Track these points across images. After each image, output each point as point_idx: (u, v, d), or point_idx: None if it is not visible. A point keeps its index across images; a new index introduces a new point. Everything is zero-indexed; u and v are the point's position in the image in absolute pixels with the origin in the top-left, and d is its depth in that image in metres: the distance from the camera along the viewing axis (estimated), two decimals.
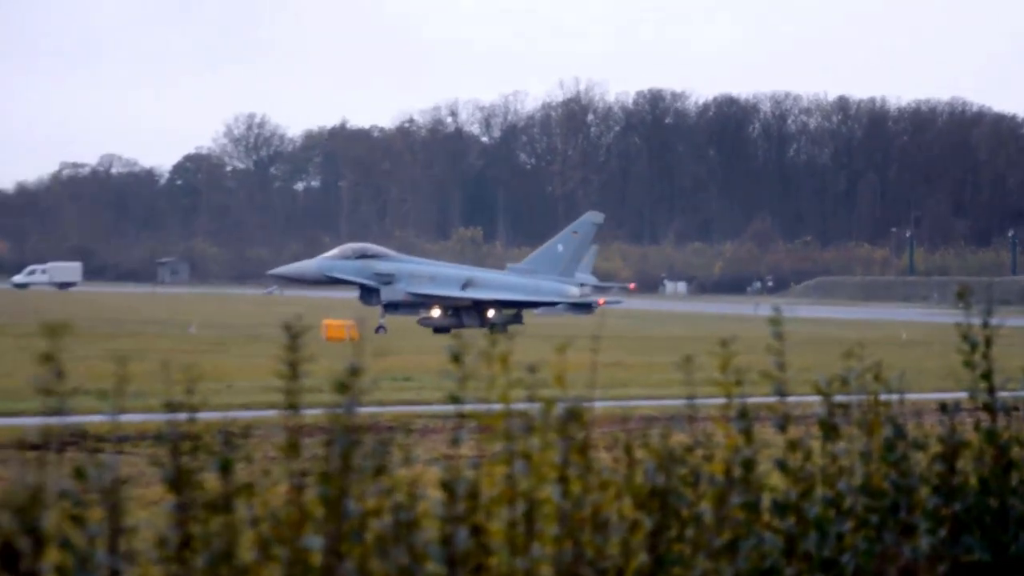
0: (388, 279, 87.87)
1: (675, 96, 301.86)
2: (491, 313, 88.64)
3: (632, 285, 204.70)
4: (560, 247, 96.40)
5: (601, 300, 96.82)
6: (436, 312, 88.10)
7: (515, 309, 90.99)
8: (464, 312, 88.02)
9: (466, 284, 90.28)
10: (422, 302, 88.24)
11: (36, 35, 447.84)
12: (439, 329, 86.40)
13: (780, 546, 7.75)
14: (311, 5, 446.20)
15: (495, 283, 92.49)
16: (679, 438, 7.88)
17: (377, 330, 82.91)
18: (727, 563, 7.54)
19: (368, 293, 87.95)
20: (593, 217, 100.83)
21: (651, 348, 57.60)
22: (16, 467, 4.78)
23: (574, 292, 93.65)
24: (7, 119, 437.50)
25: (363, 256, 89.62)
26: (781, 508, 7.87)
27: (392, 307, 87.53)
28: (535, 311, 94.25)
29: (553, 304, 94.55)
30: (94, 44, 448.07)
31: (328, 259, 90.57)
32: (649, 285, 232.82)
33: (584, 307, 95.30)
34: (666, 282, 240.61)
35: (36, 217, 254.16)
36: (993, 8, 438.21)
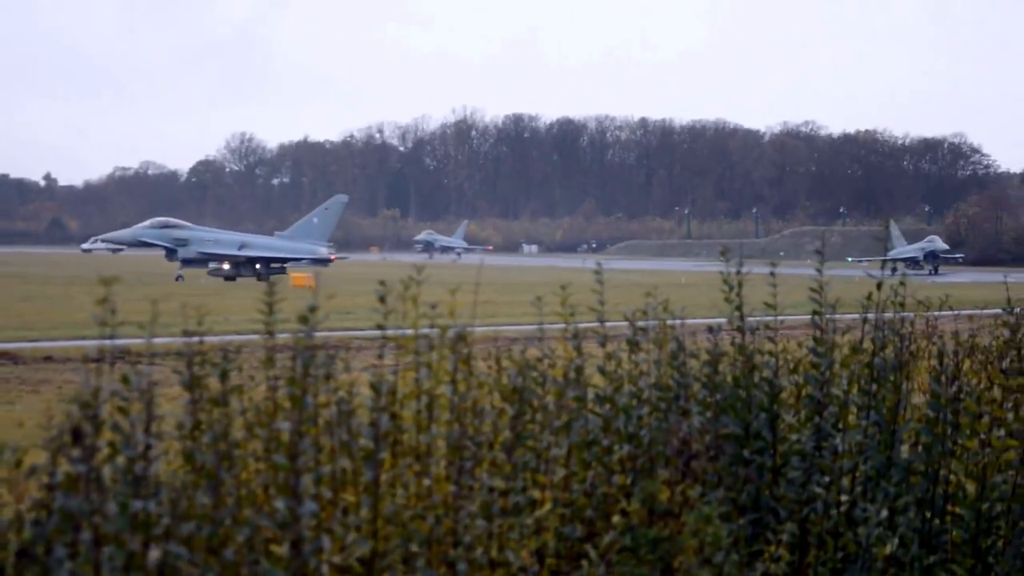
0: (184, 242, 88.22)
1: (530, 118, 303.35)
2: (258, 266, 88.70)
3: (490, 247, 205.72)
4: (315, 220, 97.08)
5: (333, 256, 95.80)
6: (226, 266, 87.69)
7: (278, 264, 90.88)
8: (242, 266, 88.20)
9: (242, 246, 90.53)
10: (209, 259, 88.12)
11: (96, 71, 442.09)
12: (227, 278, 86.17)
13: (600, 425, 7.78)
14: (284, 52, 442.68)
15: (264, 245, 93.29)
16: (532, 352, 7.91)
17: (177, 279, 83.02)
18: (564, 437, 7.56)
19: (170, 253, 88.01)
20: (341, 198, 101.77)
21: (513, 290, 57.63)
22: (81, 375, 4.75)
23: (323, 252, 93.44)
24: (80, 133, 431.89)
25: (166, 227, 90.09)
26: (601, 399, 7.89)
27: (187, 263, 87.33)
28: (298, 263, 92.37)
29: (312, 260, 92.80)
30: (140, 78, 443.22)
31: (140, 228, 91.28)
32: (512, 247, 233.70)
33: (324, 262, 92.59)
34: (523, 245, 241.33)
35: (97, 204, 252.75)
36: (746, 41, 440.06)
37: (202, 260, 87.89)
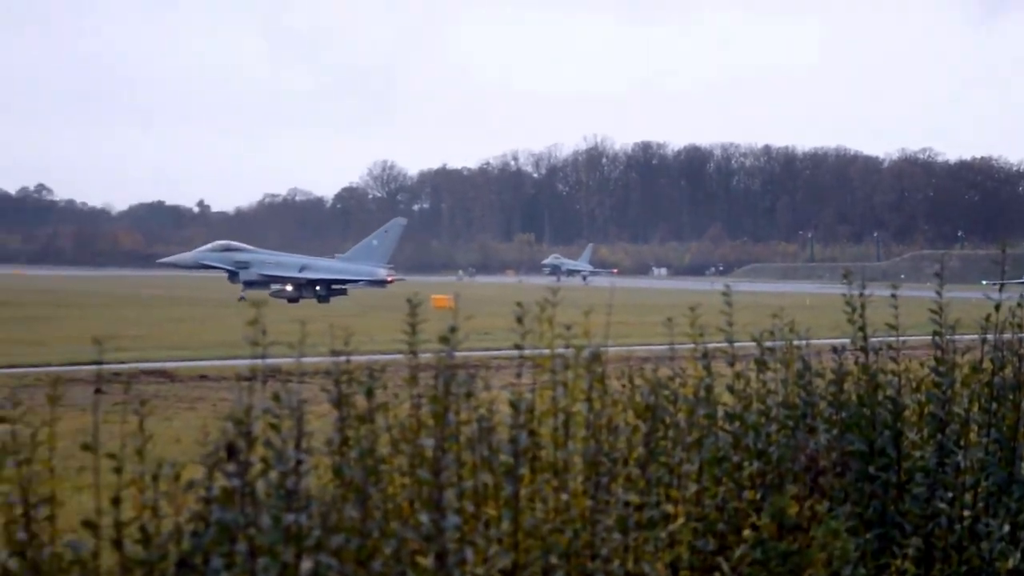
0: (245, 265, 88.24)
1: (658, 145, 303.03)
2: (318, 288, 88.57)
3: (615, 270, 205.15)
4: (375, 242, 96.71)
5: (391, 278, 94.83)
6: (288, 288, 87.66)
7: (339, 285, 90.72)
8: (303, 287, 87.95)
9: (302, 268, 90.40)
10: (270, 281, 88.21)
11: (248, 103, 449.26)
12: (290, 300, 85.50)
13: (730, 442, 7.72)
14: (423, 84, 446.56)
15: (324, 267, 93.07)
16: (664, 371, 7.87)
17: (240, 299, 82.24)
18: (695, 453, 7.50)
19: (232, 275, 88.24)
20: (400, 221, 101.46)
21: (644, 312, 57.53)
22: (235, 392, 4.78)
23: (382, 273, 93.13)
24: (232, 163, 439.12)
25: (227, 250, 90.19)
26: (730, 417, 7.84)
27: (249, 284, 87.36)
28: (354, 285, 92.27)
29: (369, 282, 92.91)
30: (289, 109, 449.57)
31: (202, 252, 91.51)
32: (642, 270, 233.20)
33: (382, 283, 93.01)
34: (653, 268, 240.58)
35: (247, 229, 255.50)
36: (871, 73, 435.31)
37: (264, 282, 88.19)
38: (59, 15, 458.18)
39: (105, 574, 4.95)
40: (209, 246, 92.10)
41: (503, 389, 6.83)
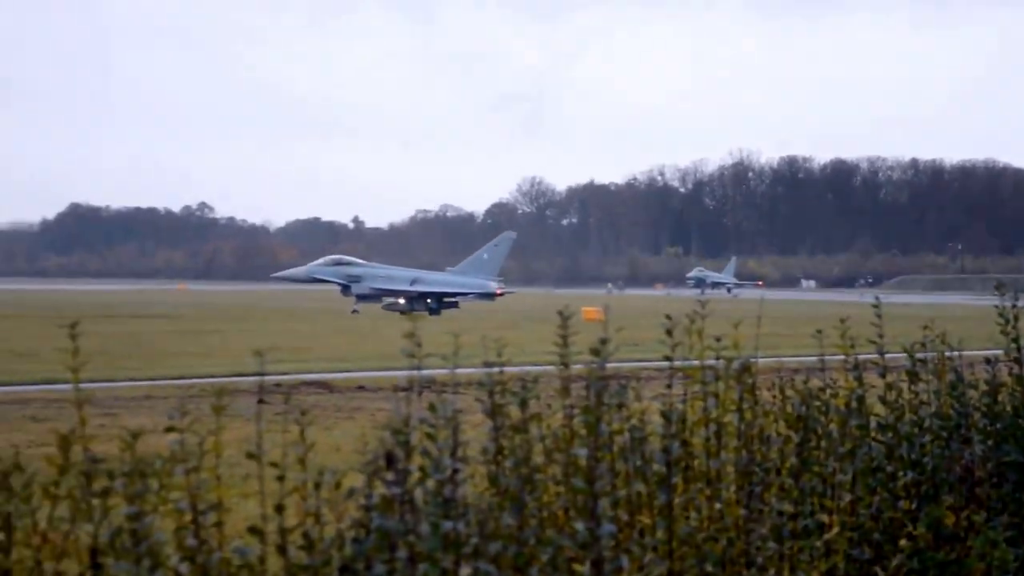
0: (357, 279, 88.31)
1: (804, 159, 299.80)
2: (429, 300, 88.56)
3: (760, 282, 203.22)
4: (485, 255, 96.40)
5: (500, 291, 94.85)
6: (401, 301, 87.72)
7: (450, 298, 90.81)
8: (415, 300, 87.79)
9: (414, 281, 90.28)
10: (382, 294, 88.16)
11: (400, 121, 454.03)
12: (402, 312, 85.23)
13: (883, 452, 7.62)
14: (572, 101, 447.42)
15: (434, 280, 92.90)
16: (815, 382, 7.79)
17: (352, 312, 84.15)
18: (848, 463, 7.40)
19: (345, 288, 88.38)
20: (510, 235, 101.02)
21: (793, 323, 56.94)
22: (392, 403, 4.82)
23: (492, 286, 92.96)
24: (386, 180, 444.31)
25: (339, 264, 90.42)
26: (883, 427, 7.73)
27: (362, 298, 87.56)
28: (464, 297, 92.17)
29: (479, 295, 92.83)
30: (441, 126, 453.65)
31: (315, 266, 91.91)
32: (790, 283, 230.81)
33: (491, 296, 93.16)
34: (802, 280, 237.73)
35: (400, 244, 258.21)
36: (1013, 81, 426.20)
37: (375, 295, 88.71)
38: (223, 40, 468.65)
39: None
40: (322, 260, 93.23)
41: (654, 400, 6.81)
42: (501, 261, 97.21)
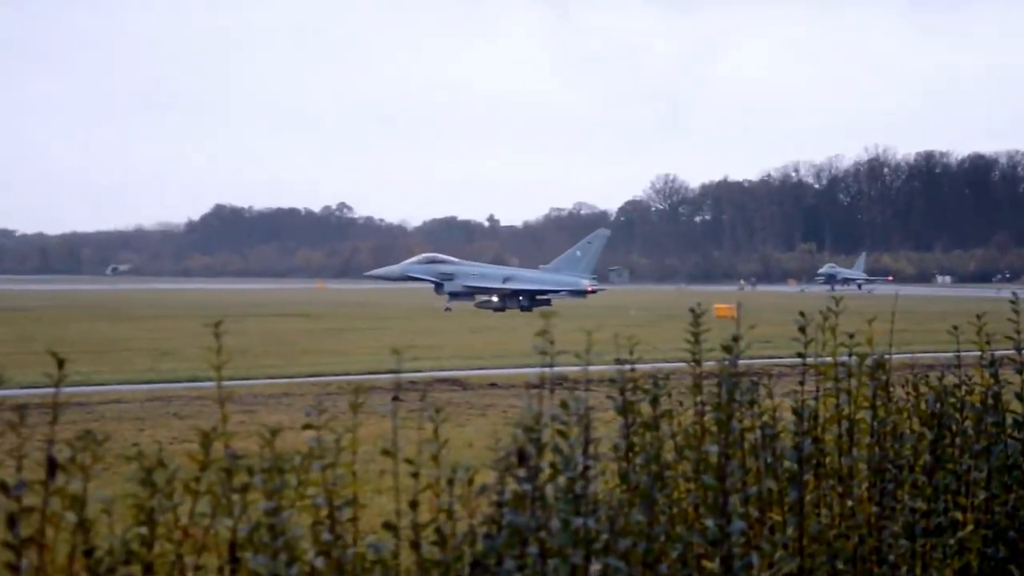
0: (449, 277, 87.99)
1: (941, 154, 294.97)
2: (520, 298, 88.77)
3: (890, 277, 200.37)
4: (578, 253, 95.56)
5: (591, 288, 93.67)
6: (495, 299, 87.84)
7: (542, 295, 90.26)
8: (507, 298, 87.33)
9: (506, 279, 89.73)
10: (475, 292, 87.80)
11: (535, 120, 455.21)
12: (496, 310, 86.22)
13: (1019, 450, 7.46)
14: (705, 99, 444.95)
15: (527, 278, 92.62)
16: (950, 379, 7.66)
17: (446, 310, 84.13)
18: (983, 461, 7.27)
19: (438, 286, 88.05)
20: (603, 232, 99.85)
21: (927, 319, 56.02)
22: (524, 400, 4.85)
23: (585, 284, 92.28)
24: (521, 179, 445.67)
25: (432, 262, 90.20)
26: (1019, 425, 7.56)
27: (454, 295, 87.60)
28: (556, 295, 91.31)
29: (571, 292, 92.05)
30: (576, 125, 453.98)
31: (409, 264, 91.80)
32: (925, 279, 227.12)
33: (582, 293, 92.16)
34: (937, 276, 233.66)
35: (535, 242, 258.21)
36: None
37: (468, 293, 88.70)
38: (362, 43, 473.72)
39: (404, 573, 5.06)
40: (415, 259, 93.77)
41: (786, 397, 6.75)
42: (594, 259, 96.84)
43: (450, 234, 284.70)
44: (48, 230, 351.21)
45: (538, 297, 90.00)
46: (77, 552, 4.52)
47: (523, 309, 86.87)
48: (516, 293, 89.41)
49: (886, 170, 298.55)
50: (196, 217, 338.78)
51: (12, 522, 4.37)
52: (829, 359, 6.89)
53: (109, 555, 4.57)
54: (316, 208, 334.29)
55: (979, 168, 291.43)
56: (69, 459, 4.60)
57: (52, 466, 4.55)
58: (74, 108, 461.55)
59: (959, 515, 6.96)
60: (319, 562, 4.86)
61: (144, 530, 4.73)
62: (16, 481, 4.38)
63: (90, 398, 27.06)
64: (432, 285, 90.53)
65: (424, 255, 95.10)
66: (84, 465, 4.62)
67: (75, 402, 25.34)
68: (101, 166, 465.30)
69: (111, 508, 4.74)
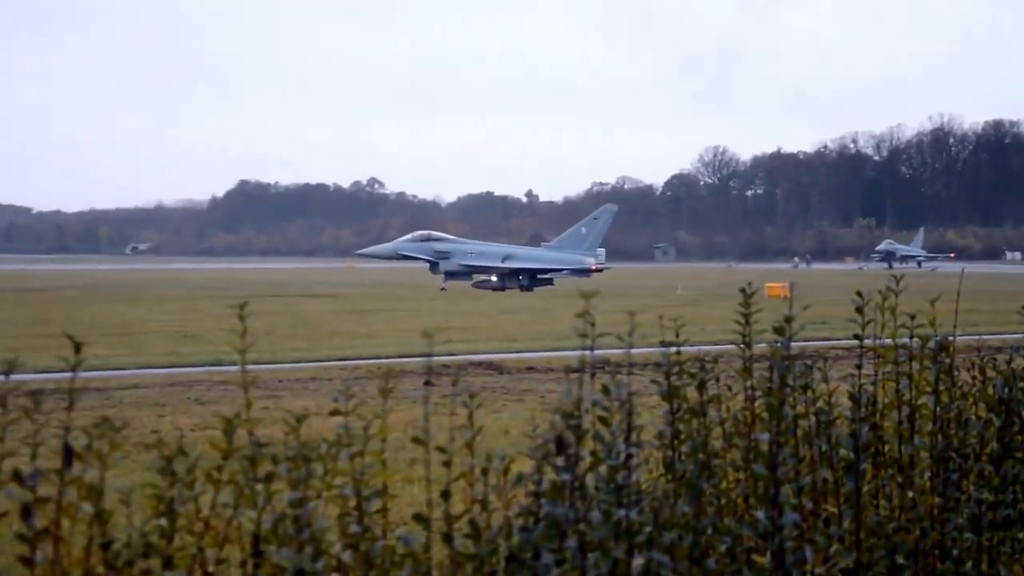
0: (446, 255, 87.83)
1: (1011, 123, 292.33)
2: (520, 277, 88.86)
3: (952, 254, 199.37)
4: (583, 230, 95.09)
5: (596, 266, 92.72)
6: (493, 278, 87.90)
7: (543, 274, 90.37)
8: (507, 277, 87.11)
9: (506, 258, 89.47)
10: (472, 271, 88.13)
11: (576, 92, 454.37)
12: (494, 289, 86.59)
13: None
14: (757, 67, 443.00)
15: (527, 256, 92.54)
16: (1019, 362, 7.61)
17: (441, 290, 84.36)
18: None
19: (433, 265, 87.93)
20: (610, 207, 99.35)
21: (996, 299, 55.69)
22: (563, 385, 4.86)
23: (590, 262, 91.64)
24: (562, 153, 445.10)
25: (427, 239, 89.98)
26: None
27: (451, 275, 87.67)
28: (559, 274, 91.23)
29: (573, 271, 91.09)
30: (619, 97, 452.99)
31: (402, 242, 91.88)
32: (993, 254, 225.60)
33: (586, 272, 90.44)
34: (1007, 253, 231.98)
35: (576, 218, 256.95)
36: None
37: (465, 272, 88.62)
38: (398, 14, 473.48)
39: (436, 568, 5.06)
40: (409, 236, 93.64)
41: (842, 381, 6.73)
42: (601, 236, 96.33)
43: (486, 210, 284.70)
44: (66, 207, 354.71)
45: (539, 276, 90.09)
46: (94, 545, 4.54)
47: (523, 289, 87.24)
48: (516, 272, 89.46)
49: (952, 140, 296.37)
50: (220, 193, 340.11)
51: (26, 513, 4.40)
52: (889, 341, 6.86)
53: (127, 548, 4.59)
54: (345, 184, 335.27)
55: None
56: (86, 447, 4.62)
57: (68, 454, 4.58)
58: (92, 81, 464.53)
59: None
60: (346, 556, 4.87)
61: (164, 522, 4.75)
62: (31, 470, 4.40)
63: (108, 383, 27.22)
64: (427, 264, 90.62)
65: (418, 232, 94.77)
66: (101, 453, 4.64)
67: (92, 387, 25.47)
68: (121, 140, 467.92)
69: (129, 498, 4.77)
